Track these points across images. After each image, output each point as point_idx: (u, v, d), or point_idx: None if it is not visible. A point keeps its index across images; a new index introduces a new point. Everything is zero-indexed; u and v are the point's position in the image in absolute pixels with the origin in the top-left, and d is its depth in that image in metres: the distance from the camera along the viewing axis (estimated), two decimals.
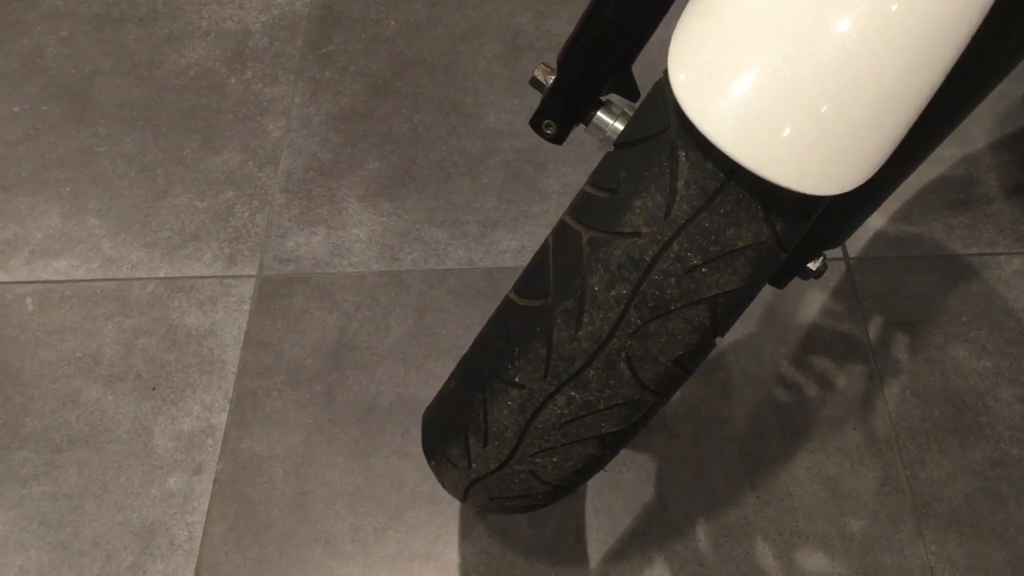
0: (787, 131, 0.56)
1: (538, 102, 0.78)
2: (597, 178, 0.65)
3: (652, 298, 0.62)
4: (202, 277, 1.25)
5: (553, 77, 0.77)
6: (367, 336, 1.19)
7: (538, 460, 0.71)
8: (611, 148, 0.69)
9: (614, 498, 1.05)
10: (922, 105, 0.60)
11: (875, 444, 1.08)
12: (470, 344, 0.77)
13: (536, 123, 0.80)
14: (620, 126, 0.73)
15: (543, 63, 0.79)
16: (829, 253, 1.19)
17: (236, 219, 1.31)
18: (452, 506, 1.05)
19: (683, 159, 0.60)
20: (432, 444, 0.80)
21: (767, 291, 1.17)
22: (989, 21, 0.59)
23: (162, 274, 1.26)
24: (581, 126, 0.77)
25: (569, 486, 0.75)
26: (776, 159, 0.56)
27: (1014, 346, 1.14)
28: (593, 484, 1.06)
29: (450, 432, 0.75)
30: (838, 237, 0.87)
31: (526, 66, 1.50)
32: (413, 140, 1.40)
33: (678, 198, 0.60)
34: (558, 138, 0.80)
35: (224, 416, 1.12)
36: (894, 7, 0.54)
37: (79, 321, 1.21)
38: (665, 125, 0.61)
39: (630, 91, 0.78)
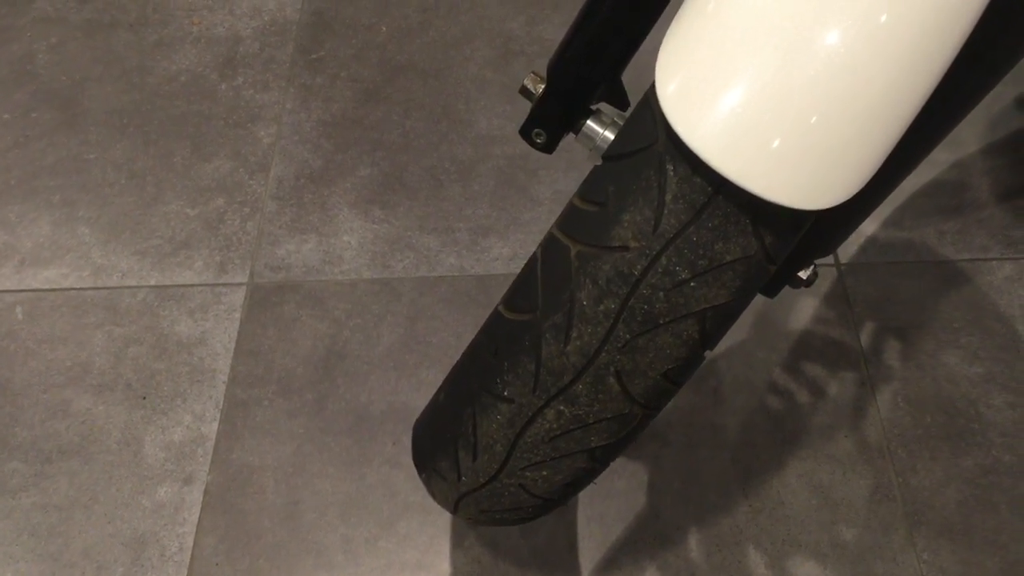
0: (775, 145, 0.56)
1: (528, 111, 0.78)
2: (585, 191, 0.65)
3: (641, 312, 0.62)
4: (192, 285, 1.25)
5: (543, 86, 0.77)
6: (358, 344, 1.19)
7: (528, 474, 0.70)
8: (600, 159, 0.69)
9: (606, 507, 1.05)
10: (911, 116, 0.59)
11: (867, 451, 1.07)
12: (460, 354, 0.76)
13: (526, 132, 0.79)
14: (610, 135, 0.73)
15: (533, 72, 0.79)
16: (820, 259, 1.19)
17: (227, 226, 1.31)
18: (444, 516, 1.05)
19: (671, 173, 0.60)
20: (422, 456, 0.80)
21: (758, 298, 1.17)
22: (979, 30, 0.59)
23: (152, 282, 1.25)
24: (571, 135, 0.77)
25: (559, 499, 0.75)
26: (764, 173, 0.56)
27: (1005, 352, 1.14)
28: (585, 493, 1.05)
29: (440, 445, 0.75)
30: (829, 246, 0.86)
31: (518, 71, 1.50)
32: (404, 147, 1.40)
33: (666, 212, 0.60)
34: (548, 147, 0.80)
35: (215, 426, 1.12)
36: (882, 19, 0.54)
37: (69, 330, 1.21)
38: (653, 138, 0.61)
39: (620, 100, 0.78)
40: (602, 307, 0.62)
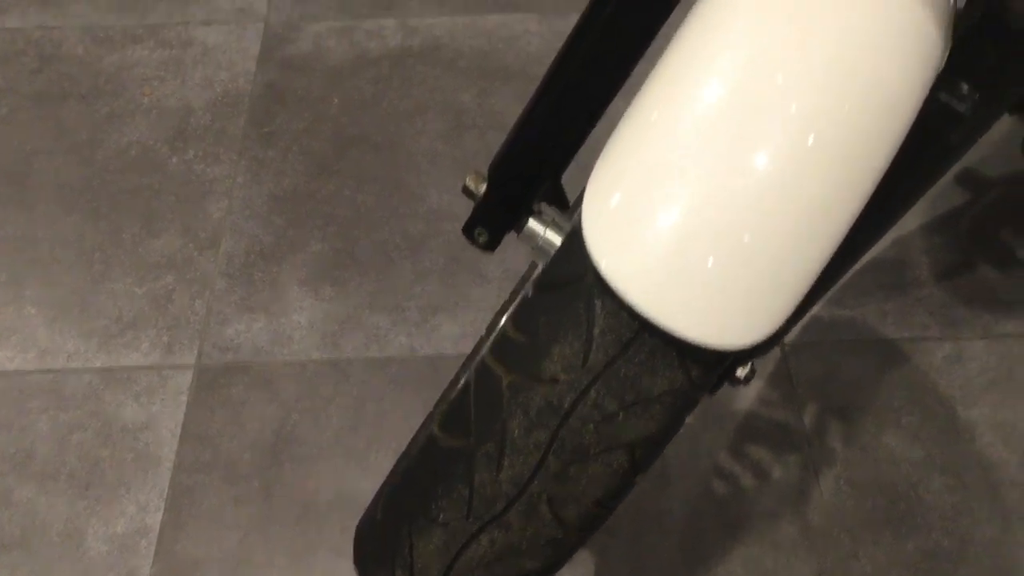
0: (696, 286, 0.57)
1: (470, 209, 0.79)
2: (517, 321, 0.66)
3: (571, 444, 0.62)
4: (139, 367, 1.24)
5: (484, 186, 0.78)
6: (307, 428, 1.19)
7: None
8: (537, 276, 0.69)
9: None
10: (834, 248, 0.61)
11: (810, 537, 1.09)
12: (397, 460, 0.76)
13: (468, 231, 0.80)
14: (552, 235, 0.73)
15: (474, 171, 0.80)
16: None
17: (175, 305, 1.30)
18: None
19: (599, 308, 0.61)
20: (363, 564, 0.80)
21: None
22: (905, 146, 0.61)
23: (99, 364, 1.24)
24: (513, 233, 0.78)
25: None
26: (686, 315, 0.57)
27: (944, 434, 1.16)
28: None
29: (379, 560, 0.75)
30: (767, 347, 0.88)
31: (469, 144, 1.51)
32: (356, 221, 1.41)
33: (594, 346, 0.61)
34: (490, 246, 0.81)
35: (159, 516, 1.11)
36: (790, 178, 0.55)
37: (13, 416, 1.19)
38: (582, 271, 0.62)
39: (560, 200, 0.80)
40: (533, 438, 0.63)
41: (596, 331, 0.61)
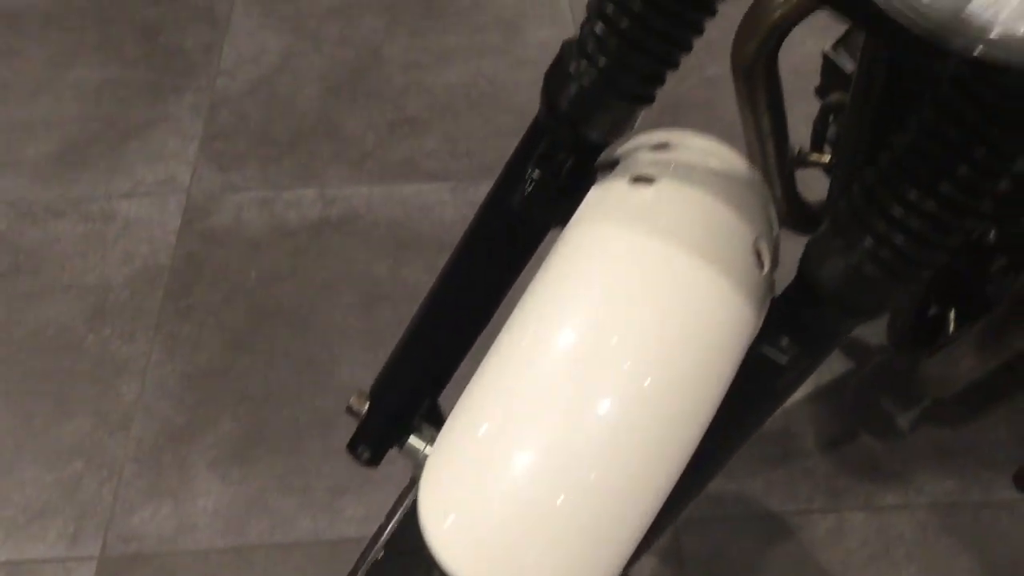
0: (524, 567, 0.62)
1: (354, 427, 0.84)
2: None
3: None
4: (44, 560, 1.25)
5: (367, 405, 0.84)
6: None
7: None
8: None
9: None
10: (656, 510, 0.67)
11: None
12: None
13: (352, 447, 0.86)
14: (431, 451, 0.78)
15: (358, 390, 0.86)
16: None
17: (83, 492, 1.32)
18: None
19: None
20: None
21: None
22: (732, 395, 0.67)
23: (3, 558, 1.25)
24: (395, 449, 0.83)
25: None
26: None
27: None
28: None
29: None
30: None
31: (381, 316, 1.56)
32: (267, 398, 1.45)
33: None
34: (373, 461, 0.87)
35: None
36: (592, 476, 0.61)
37: None
38: (424, 542, 0.67)
39: (438, 420, 0.85)
40: None
41: None
